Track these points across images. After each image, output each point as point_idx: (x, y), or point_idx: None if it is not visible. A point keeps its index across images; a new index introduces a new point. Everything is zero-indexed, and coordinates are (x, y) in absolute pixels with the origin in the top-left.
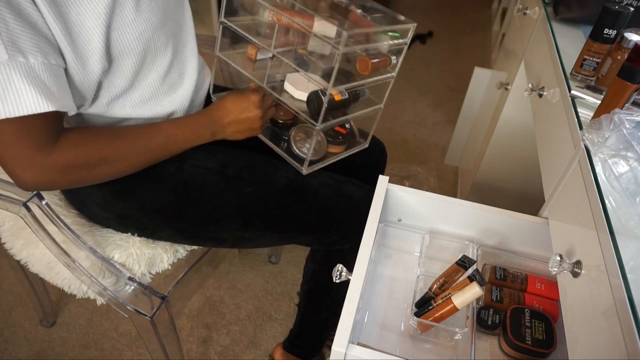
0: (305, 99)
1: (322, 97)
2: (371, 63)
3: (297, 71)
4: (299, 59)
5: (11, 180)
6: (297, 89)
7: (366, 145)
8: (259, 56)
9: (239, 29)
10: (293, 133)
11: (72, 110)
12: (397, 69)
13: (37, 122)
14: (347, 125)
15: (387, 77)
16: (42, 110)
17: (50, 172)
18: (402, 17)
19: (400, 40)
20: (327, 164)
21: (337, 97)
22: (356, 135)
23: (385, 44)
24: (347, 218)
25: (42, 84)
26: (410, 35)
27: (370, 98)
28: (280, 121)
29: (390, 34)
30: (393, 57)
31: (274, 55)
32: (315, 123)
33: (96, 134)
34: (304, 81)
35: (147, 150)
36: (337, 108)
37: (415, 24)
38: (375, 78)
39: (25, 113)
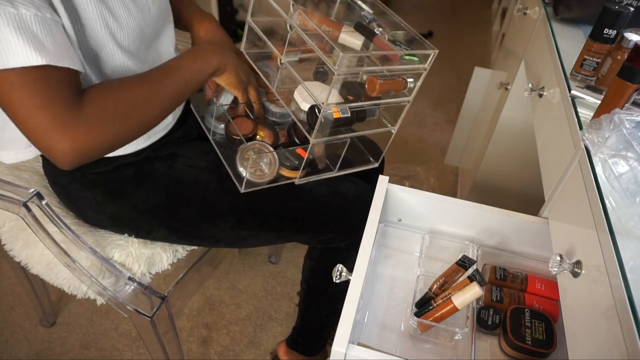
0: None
1: (317, 112)
2: (379, 84)
3: (301, 81)
4: (321, 68)
5: (11, 180)
6: (304, 99)
7: (376, 165)
8: (285, 58)
9: (261, 33)
10: (242, 149)
11: (77, 67)
12: (414, 93)
13: (60, 78)
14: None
15: (402, 100)
16: (31, 64)
17: (86, 128)
18: (424, 40)
19: (419, 66)
20: (276, 184)
21: (337, 115)
22: (320, 162)
23: (396, 67)
24: (343, 216)
25: (34, 37)
26: (430, 61)
27: (383, 119)
28: (235, 136)
29: (407, 57)
30: (410, 80)
31: (300, 60)
32: (309, 136)
33: (114, 81)
34: (314, 92)
35: (165, 87)
36: (337, 125)
37: (436, 50)
38: (387, 100)
39: (14, 66)
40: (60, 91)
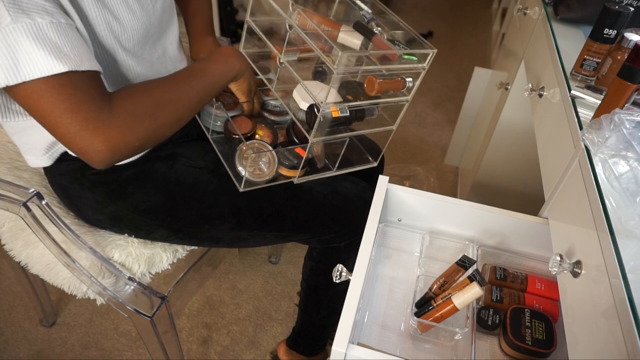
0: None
1: (316, 111)
2: (378, 83)
3: (300, 80)
4: (320, 68)
5: (11, 180)
6: (303, 99)
7: (375, 164)
8: (284, 58)
9: (260, 32)
10: (241, 148)
11: (97, 68)
12: (412, 92)
13: (85, 81)
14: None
15: (401, 100)
16: (55, 72)
17: (118, 127)
18: (423, 40)
19: (418, 65)
20: (275, 184)
21: (336, 114)
22: (319, 161)
23: (395, 66)
24: (343, 216)
25: (53, 44)
26: (429, 60)
27: (382, 118)
28: (234, 135)
29: (406, 57)
30: (409, 80)
31: (299, 59)
32: (308, 135)
33: (141, 83)
34: (313, 91)
35: (191, 88)
36: (336, 125)
37: (435, 50)
38: (386, 99)
39: (37, 76)
40: (88, 93)
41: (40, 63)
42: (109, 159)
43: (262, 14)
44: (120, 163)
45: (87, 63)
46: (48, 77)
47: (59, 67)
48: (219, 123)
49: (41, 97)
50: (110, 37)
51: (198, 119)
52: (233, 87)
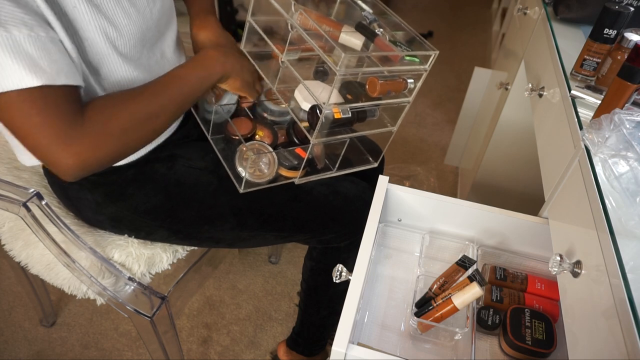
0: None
1: (318, 112)
2: (379, 85)
3: (302, 81)
4: (321, 67)
5: (11, 180)
6: (305, 99)
7: (375, 165)
8: (285, 57)
9: (262, 31)
10: (241, 149)
11: (75, 82)
12: (414, 93)
13: (59, 95)
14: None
15: (402, 101)
16: (27, 86)
17: (89, 143)
18: (424, 41)
19: (420, 67)
20: (276, 184)
21: (338, 115)
22: (319, 162)
23: (396, 68)
24: (343, 216)
25: (29, 58)
26: (431, 62)
27: (383, 119)
28: (234, 136)
29: (408, 58)
30: (410, 81)
31: (300, 59)
32: (309, 136)
33: (116, 95)
34: (314, 91)
35: (169, 99)
36: (337, 126)
37: (437, 52)
38: (388, 101)
39: (10, 88)
40: (60, 109)
41: (13, 76)
42: (79, 172)
43: (263, 13)
44: (120, 164)
45: (64, 77)
46: (20, 90)
47: (31, 81)
48: (221, 106)
49: (13, 110)
50: (105, 42)
51: (196, 117)
52: (225, 87)
